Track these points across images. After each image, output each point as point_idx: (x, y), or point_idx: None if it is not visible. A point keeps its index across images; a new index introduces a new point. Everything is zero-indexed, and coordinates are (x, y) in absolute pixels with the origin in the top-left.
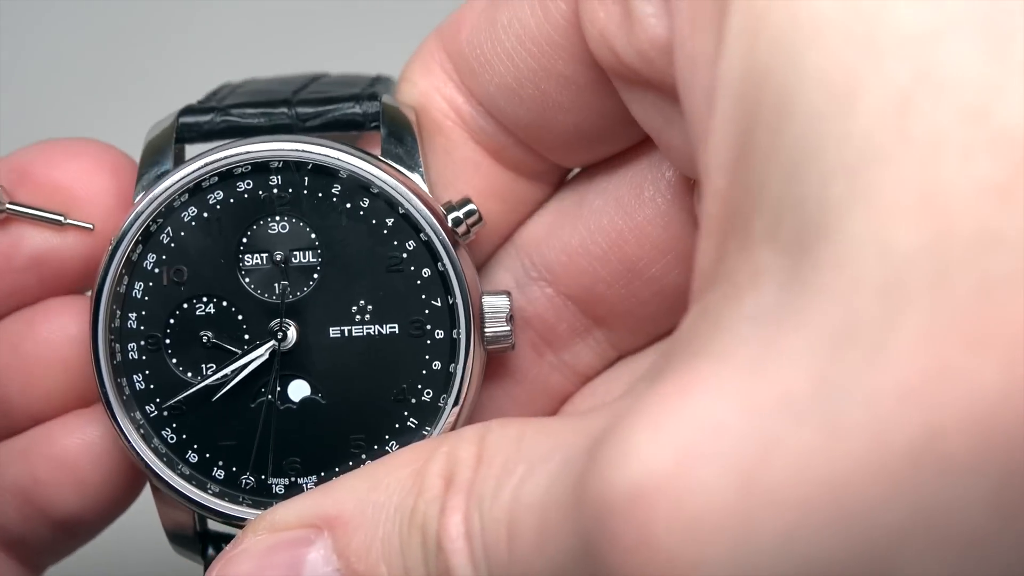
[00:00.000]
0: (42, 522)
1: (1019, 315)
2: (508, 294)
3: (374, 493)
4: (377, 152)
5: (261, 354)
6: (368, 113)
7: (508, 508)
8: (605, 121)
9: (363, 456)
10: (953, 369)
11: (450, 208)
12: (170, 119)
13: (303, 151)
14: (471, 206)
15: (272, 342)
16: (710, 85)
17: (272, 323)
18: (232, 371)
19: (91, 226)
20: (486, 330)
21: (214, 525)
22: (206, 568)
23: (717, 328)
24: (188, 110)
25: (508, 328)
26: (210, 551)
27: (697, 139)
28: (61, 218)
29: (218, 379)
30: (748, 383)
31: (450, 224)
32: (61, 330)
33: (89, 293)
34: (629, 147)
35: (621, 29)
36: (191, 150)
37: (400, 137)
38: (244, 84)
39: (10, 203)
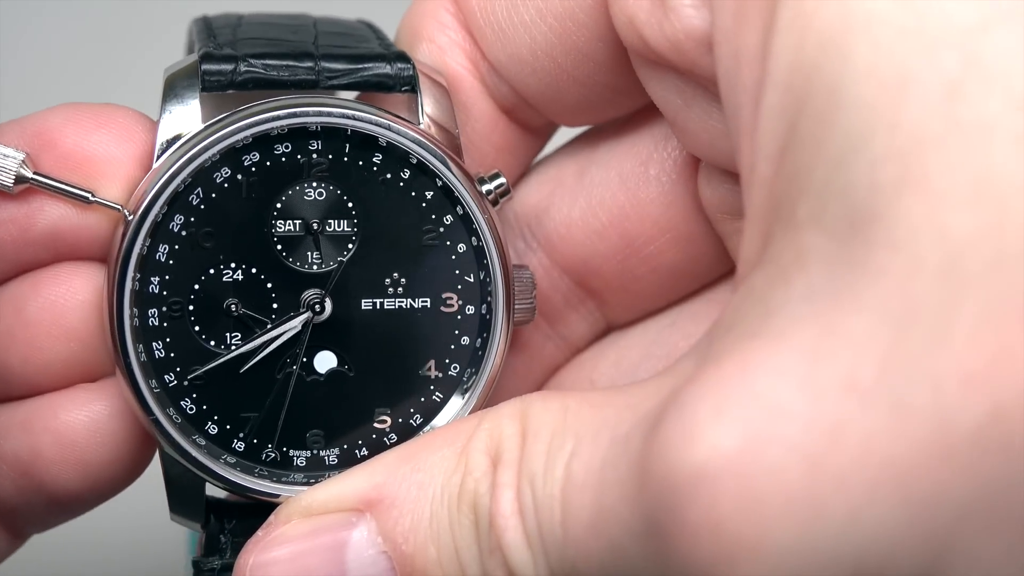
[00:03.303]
0: (38, 495)
1: None
2: (528, 268)
3: (417, 473)
4: (408, 116)
5: (294, 326)
6: (401, 76)
7: (561, 485)
8: (617, 93)
9: (387, 429)
10: (1013, 352)
11: (481, 181)
12: (189, 63)
13: (348, 116)
14: (501, 179)
15: (307, 314)
16: (756, 79)
17: (305, 294)
18: (263, 343)
19: (119, 207)
20: (515, 305)
21: (216, 491)
22: (207, 535)
23: (768, 309)
24: (208, 56)
25: (534, 304)
26: (212, 520)
27: (740, 131)
28: (88, 195)
29: (248, 350)
30: (810, 365)
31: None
32: (69, 296)
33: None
34: (634, 111)
35: (653, 17)
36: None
37: (440, 108)
38: (243, 24)
39: (35, 173)
